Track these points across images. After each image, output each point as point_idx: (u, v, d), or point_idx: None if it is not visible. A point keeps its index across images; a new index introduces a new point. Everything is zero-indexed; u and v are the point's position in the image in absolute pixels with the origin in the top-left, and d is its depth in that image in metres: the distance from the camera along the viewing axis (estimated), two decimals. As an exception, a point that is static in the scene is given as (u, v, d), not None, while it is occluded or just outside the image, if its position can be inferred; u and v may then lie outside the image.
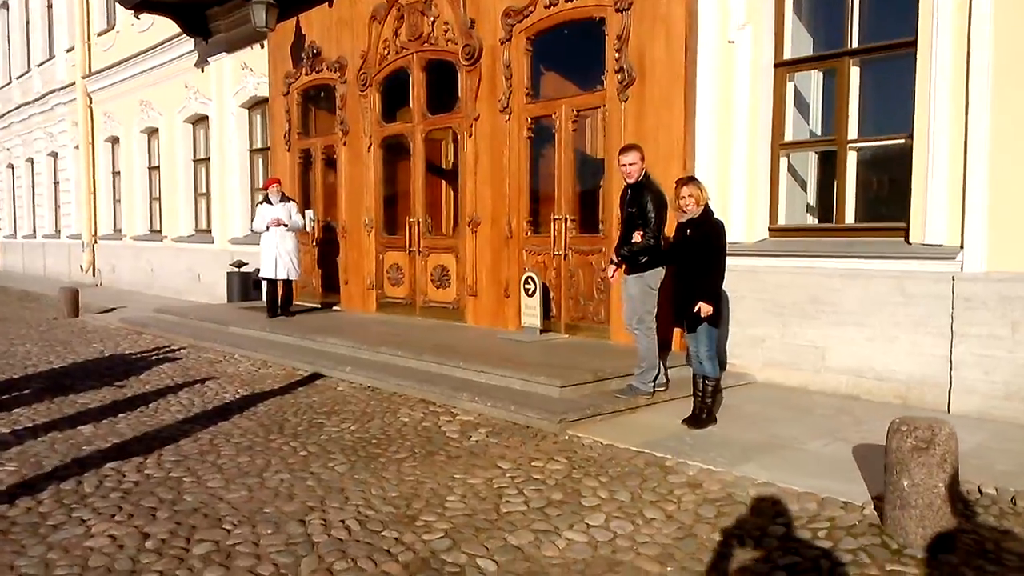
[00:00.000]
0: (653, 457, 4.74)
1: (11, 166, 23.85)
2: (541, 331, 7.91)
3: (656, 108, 7.09)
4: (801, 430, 5.27)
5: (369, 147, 10.34)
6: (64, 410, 6.11)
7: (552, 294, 8.11)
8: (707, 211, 5.29)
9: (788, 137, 6.76)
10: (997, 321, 5.42)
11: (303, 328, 9.12)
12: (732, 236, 6.12)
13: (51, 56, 20.43)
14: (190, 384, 7.10)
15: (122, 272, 17.68)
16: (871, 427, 5.26)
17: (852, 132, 6.37)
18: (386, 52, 9.91)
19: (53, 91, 19.97)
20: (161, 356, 8.69)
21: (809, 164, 7.10)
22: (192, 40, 13.95)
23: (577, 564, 3.39)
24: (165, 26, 14.24)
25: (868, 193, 6.74)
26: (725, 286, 5.47)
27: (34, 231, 22.77)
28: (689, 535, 3.66)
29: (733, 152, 6.76)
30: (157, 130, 16.13)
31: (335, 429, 5.55)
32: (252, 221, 10.87)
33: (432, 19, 9.23)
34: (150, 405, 6.29)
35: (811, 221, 7.10)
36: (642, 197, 5.75)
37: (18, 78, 22.53)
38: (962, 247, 5.57)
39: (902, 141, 6.04)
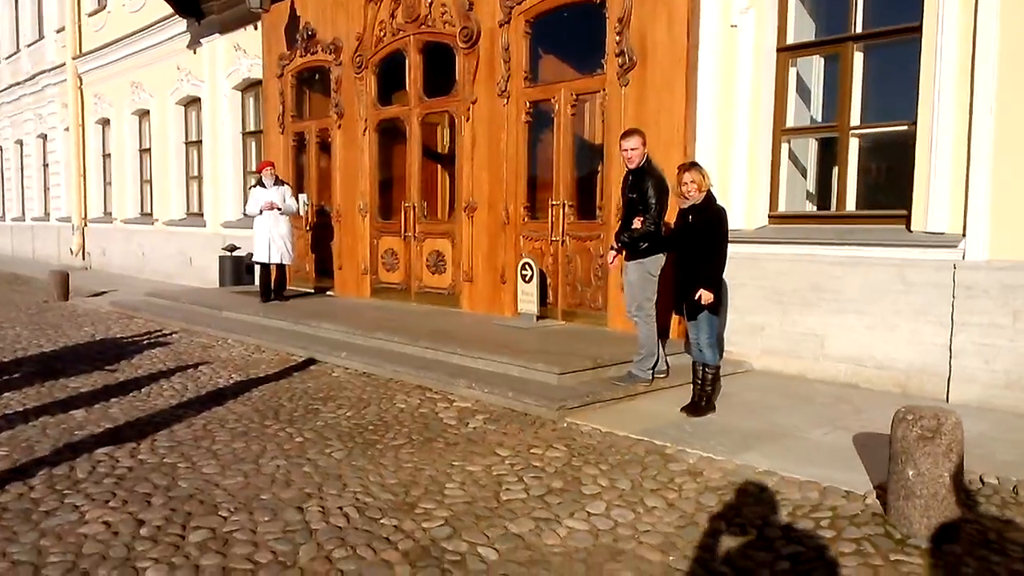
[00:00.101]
0: (653, 445, 4.70)
1: (0, 148, 23.57)
2: (538, 318, 7.86)
3: (657, 92, 7.01)
4: (801, 418, 5.24)
5: (364, 131, 10.23)
6: (55, 394, 6.03)
7: (549, 280, 8.05)
8: (709, 197, 5.23)
9: (790, 123, 6.69)
10: (998, 310, 5.39)
11: (297, 313, 9.04)
12: (732, 223, 6.03)
13: (41, 36, 20.16)
14: (183, 369, 7.03)
15: (112, 255, 17.53)
16: (871, 416, 5.24)
17: (855, 118, 6.31)
18: (382, 34, 9.78)
19: (43, 72, 19.73)
20: (153, 340, 8.60)
21: (810, 150, 7.04)
22: (184, 21, 13.77)
23: (579, 553, 3.35)
24: (157, 6, 14.05)
25: (869, 180, 6.69)
26: (725, 273, 5.42)
27: (23, 214, 22.54)
28: (691, 524, 3.62)
29: (734, 137, 6.70)
30: (148, 112, 15.95)
31: (331, 415, 5.49)
32: (245, 204, 10.76)
33: (429, 0, 9.10)
34: (143, 390, 6.21)
35: (812, 208, 7.05)
36: (643, 183, 5.68)
37: (7, 59, 22.25)
38: (964, 235, 5.53)
39: (905, 128, 5.99)
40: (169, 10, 13.66)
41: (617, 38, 7.23)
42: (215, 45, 13.46)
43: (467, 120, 8.75)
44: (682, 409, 5.33)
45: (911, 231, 5.83)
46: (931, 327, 5.70)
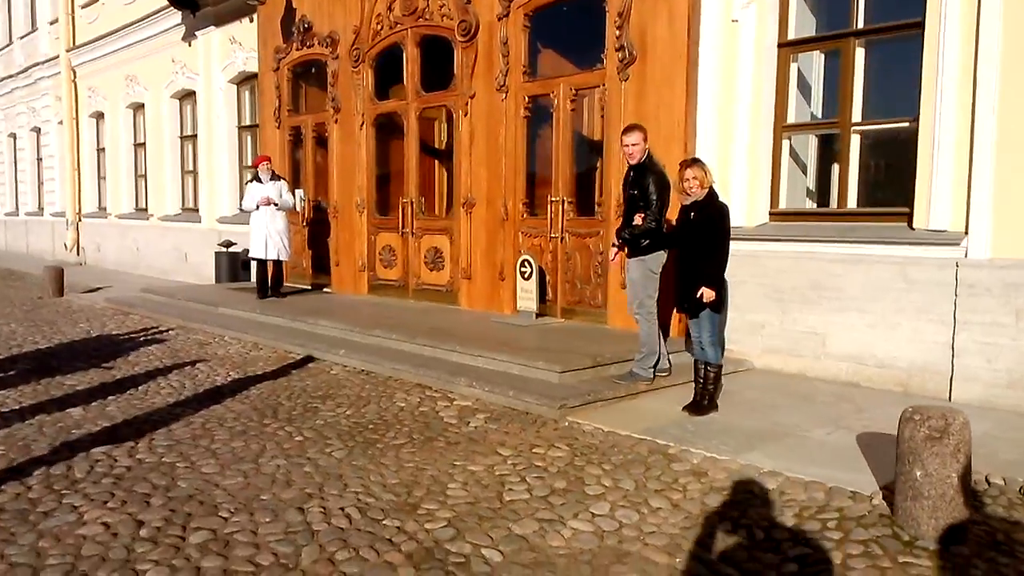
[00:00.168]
0: (656, 444, 4.67)
1: (-7, 141, 23.42)
2: (537, 315, 7.82)
3: (657, 88, 6.97)
4: (803, 417, 5.21)
5: (361, 125, 10.16)
6: (51, 392, 5.97)
7: (548, 277, 8.00)
8: (711, 194, 5.19)
9: (791, 119, 6.66)
10: (1001, 308, 5.37)
11: (294, 310, 8.98)
12: (733, 220, 6.01)
13: (34, 28, 19.99)
14: (180, 366, 6.97)
15: (107, 251, 17.42)
16: (873, 415, 5.23)
17: (856, 115, 6.28)
18: (379, 27, 9.71)
19: (36, 64, 19.55)
20: (149, 337, 8.54)
21: (810, 147, 7.01)
22: (179, 13, 13.63)
23: (584, 555, 3.32)
24: (151, -1, 13.95)
25: (871, 177, 6.67)
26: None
27: (16, 208, 22.38)
28: (696, 525, 3.59)
29: (735, 134, 6.66)
30: (143, 105, 15.84)
31: (330, 414, 5.44)
32: (241, 200, 10.69)
33: (427, -6, 9.04)
34: (140, 388, 6.16)
35: (812, 205, 7.02)
36: (644, 179, 5.64)
37: (-1, 51, 22.08)
38: (966, 233, 5.51)
39: (907, 124, 5.96)
40: (163, 2, 13.55)
41: (617, 32, 7.18)
42: (210, 38, 13.36)
43: (465, 115, 8.69)
44: (684, 408, 5.30)
45: (913, 229, 5.81)
46: (933, 325, 5.68)
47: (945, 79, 5.54)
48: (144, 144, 16.06)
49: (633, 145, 5.67)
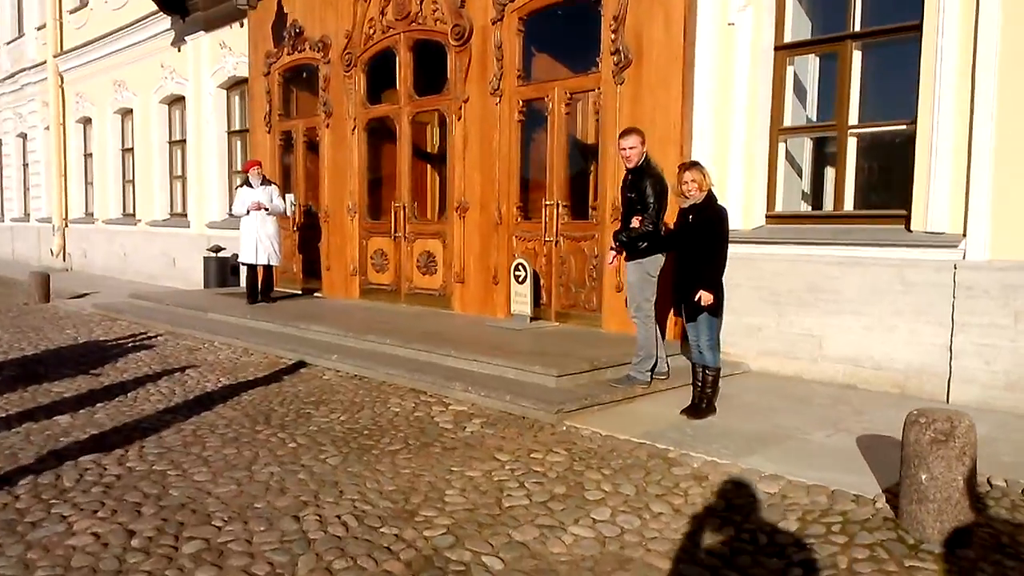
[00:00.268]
0: (655, 449, 4.62)
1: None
2: (531, 319, 7.76)
3: (653, 91, 6.94)
4: (802, 420, 5.17)
5: (353, 129, 10.09)
6: (39, 399, 5.86)
7: (542, 281, 7.95)
8: (710, 197, 5.15)
9: (787, 122, 6.64)
10: (999, 310, 5.36)
11: (285, 315, 8.89)
12: (729, 223, 6.00)
13: (21, 34, 19.82)
14: (169, 372, 6.86)
15: (94, 257, 17.25)
16: (872, 417, 5.21)
17: (853, 117, 6.27)
18: (372, 31, 9.65)
19: (23, 70, 19.38)
20: (138, 343, 8.42)
21: (807, 150, 6.99)
22: (169, 18, 13.55)
23: (586, 561, 3.26)
24: (140, 3, 13.85)
25: (868, 180, 6.66)
26: (722, 274, 5.34)
27: (2, 214, 22.16)
28: (699, 530, 3.54)
29: (731, 137, 6.64)
30: (131, 111, 15.72)
31: (324, 420, 5.36)
32: (231, 205, 10.59)
33: (420, -2, 8.99)
34: (129, 394, 6.05)
35: (809, 208, 7.00)
36: (642, 182, 5.60)
37: (-14, 56, 21.85)
38: (964, 235, 5.50)
39: (904, 127, 5.96)
40: (153, 7, 13.43)
41: (612, 36, 7.15)
42: (200, 43, 13.27)
43: (459, 119, 8.64)
44: (682, 412, 5.25)
45: (911, 231, 5.79)
46: (931, 327, 5.66)
47: (943, 81, 5.53)
48: (132, 149, 15.92)
49: (631, 148, 5.63)
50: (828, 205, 6.66)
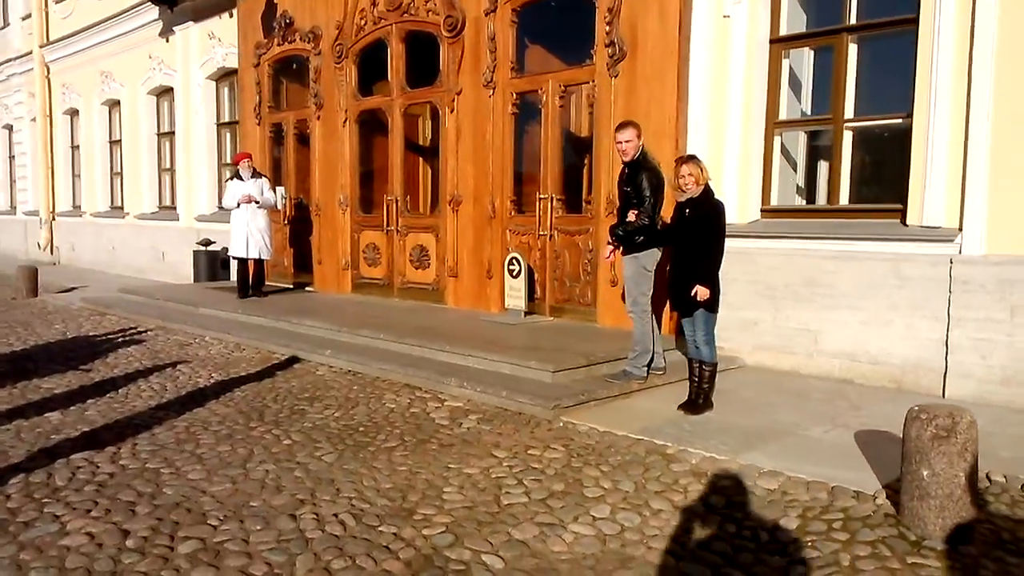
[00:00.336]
0: (653, 444, 4.59)
1: (-37, 139, 22.89)
2: (525, 313, 7.72)
3: (648, 84, 6.89)
4: (800, 416, 5.16)
5: (344, 122, 10.00)
6: (28, 396, 5.78)
7: (537, 275, 7.91)
8: (707, 191, 5.12)
9: (782, 116, 6.62)
10: (995, 305, 5.36)
11: (277, 309, 8.81)
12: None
13: (6, 24, 19.56)
14: (161, 368, 6.79)
15: (82, 250, 17.08)
16: (869, 412, 5.20)
17: (849, 111, 6.25)
18: (363, 22, 9.55)
19: (8, 60, 19.12)
20: (128, 338, 8.33)
21: (802, 144, 6.97)
22: (156, 8, 13.37)
23: (587, 559, 3.23)
24: (127, -7, 13.67)
25: (863, 173, 6.65)
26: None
27: (-12, 207, 21.91)
28: (699, 527, 3.52)
29: (726, 130, 6.61)
30: (119, 102, 15.52)
31: (318, 416, 5.31)
32: (221, 198, 10.48)
33: (412, -11, 8.90)
34: (120, 390, 5.98)
35: (804, 202, 6.98)
36: (638, 176, 5.56)
37: (-31, 47, 21.56)
38: (961, 229, 5.49)
39: (900, 121, 5.94)
40: (140, -3, 13.30)
41: (607, 28, 7.10)
42: (188, 33, 13.11)
43: (451, 111, 8.57)
44: (680, 407, 5.23)
45: (906, 225, 5.78)
46: (927, 322, 5.66)
47: (939, 74, 5.52)
48: (120, 141, 15.74)
49: (627, 142, 5.59)
50: (824, 199, 6.65)
